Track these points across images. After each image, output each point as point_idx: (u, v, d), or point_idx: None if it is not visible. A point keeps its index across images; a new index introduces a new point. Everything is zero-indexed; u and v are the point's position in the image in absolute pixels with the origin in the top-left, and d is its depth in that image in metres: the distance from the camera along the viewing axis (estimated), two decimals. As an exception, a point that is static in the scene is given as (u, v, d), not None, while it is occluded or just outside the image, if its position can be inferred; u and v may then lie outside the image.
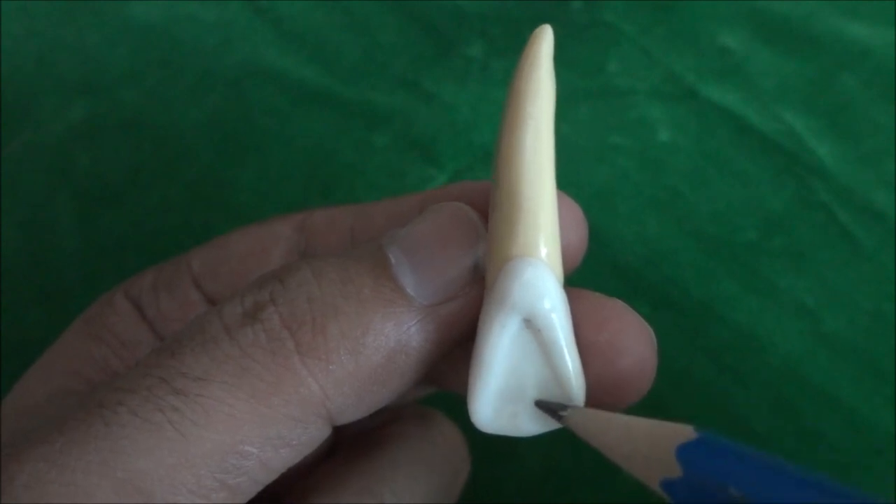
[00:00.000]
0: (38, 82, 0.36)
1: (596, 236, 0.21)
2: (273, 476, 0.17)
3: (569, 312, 0.17)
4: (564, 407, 0.17)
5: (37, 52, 0.36)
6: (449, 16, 0.36)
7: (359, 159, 0.34)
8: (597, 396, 0.17)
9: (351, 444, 0.22)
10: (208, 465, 0.16)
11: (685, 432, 0.15)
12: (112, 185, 0.34)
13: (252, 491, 0.17)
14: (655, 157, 0.32)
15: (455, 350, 0.18)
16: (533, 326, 0.17)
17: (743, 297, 0.30)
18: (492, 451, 0.27)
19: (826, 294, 0.30)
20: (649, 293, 0.30)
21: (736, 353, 0.29)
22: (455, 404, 0.20)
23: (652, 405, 0.18)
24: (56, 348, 0.21)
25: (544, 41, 0.18)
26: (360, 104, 0.34)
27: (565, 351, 0.17)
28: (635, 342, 0.17)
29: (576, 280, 0.18)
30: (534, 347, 0.17)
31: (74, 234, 0.33)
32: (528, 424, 0.17)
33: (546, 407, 0.17)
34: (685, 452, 0.14)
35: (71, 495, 0.15)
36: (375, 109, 0.34)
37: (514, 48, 0.35)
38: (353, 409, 0.17)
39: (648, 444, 0.15)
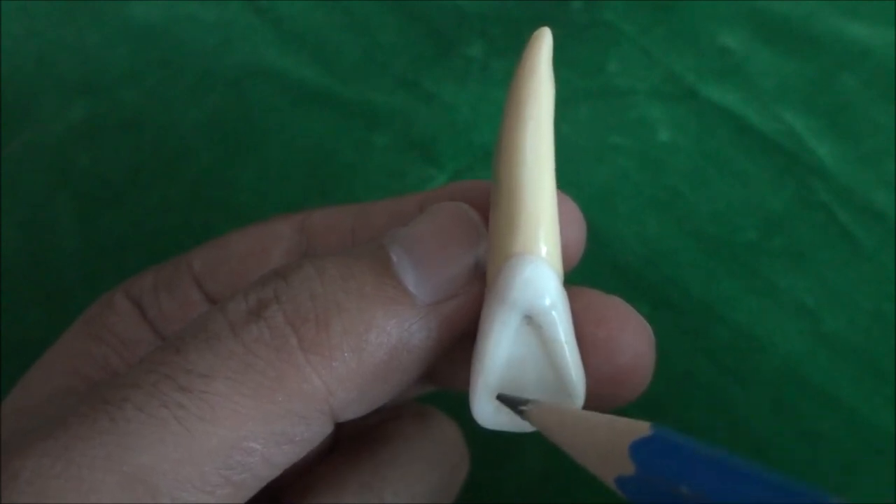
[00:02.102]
0: (38, 82, 0.36)
1: (596, 236, 0.21)
2: (276, 472, 0.17)
3: (569, 309, 0.17)
4: (525, 401, 0.17)
5: (37, 52, 0.36)
6: (449, 16, 0.36)
7: (359, 159, 0.34)
8: (595, 392, 0.17)
9: (350, 442, 0.22)
10: (213, 460, 0.16)
11: (640, 429, 0.14)
12: (112, 185, 0.34)
13: (255, 487, 0.17)
14: (655, 157, 0.33)
15: (456, 348, 0.18)
16: (533, 323, 0.17)
17: (743, 297, 0.30)
18: (492, 451, 0.27)
19: (826, 294, 0.30)
20: (649, 293, 0.30)
21: (736, 354, 0.29)
22: (454, 403, 0.20)
23: (652, 406, 0.18)
24: (56, 348, 0.21)
25: (543, 43, 0.18)
26: (360, 104, 0.34)
27: (566, 347, 0.17)
28: (634, 339, 0.18)
29: (576, 280, 0.19)
30: (534, 344, 0.17)
31: (74, 234, 0.33)
32: (529, 421, 0.18)
33: (507, 401, 0.17)
34: (638, 449, 0.14)
35: (75, 490, 0.15)
36: (375, 109, 0.34)
37: (514, 48, 0.35)
38: (355, 406, 0.17)
39: (604, 441, 0.15)
